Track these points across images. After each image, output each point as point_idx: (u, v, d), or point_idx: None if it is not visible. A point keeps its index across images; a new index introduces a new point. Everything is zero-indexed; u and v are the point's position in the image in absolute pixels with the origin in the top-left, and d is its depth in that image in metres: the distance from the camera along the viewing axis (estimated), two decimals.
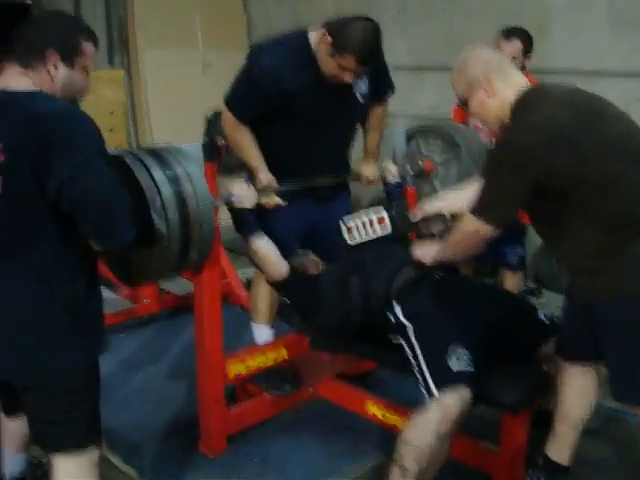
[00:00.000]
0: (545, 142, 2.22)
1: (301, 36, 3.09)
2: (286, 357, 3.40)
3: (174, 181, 2.32)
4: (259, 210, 3.07)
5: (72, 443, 2.17)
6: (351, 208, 3.58)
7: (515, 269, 4.23)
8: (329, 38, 2.90)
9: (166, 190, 2.27)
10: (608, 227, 2.28)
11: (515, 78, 2.45)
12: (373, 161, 3.52)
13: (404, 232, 3.02)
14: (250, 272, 3.76)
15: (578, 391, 2.71)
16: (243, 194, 2.95)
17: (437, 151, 3.71)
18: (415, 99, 5.50)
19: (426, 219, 2.96)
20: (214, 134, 4.59)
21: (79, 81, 2.09)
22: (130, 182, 2.19)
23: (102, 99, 5.17)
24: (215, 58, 6.52)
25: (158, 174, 2.27)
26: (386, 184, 3.55)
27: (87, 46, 2.08)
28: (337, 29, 2.89)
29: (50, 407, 2.12)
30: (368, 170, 3.49)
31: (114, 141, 5.41)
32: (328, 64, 2.97)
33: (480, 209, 2.38)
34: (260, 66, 3.01)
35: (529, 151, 2.22)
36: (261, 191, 3.07)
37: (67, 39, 2.03)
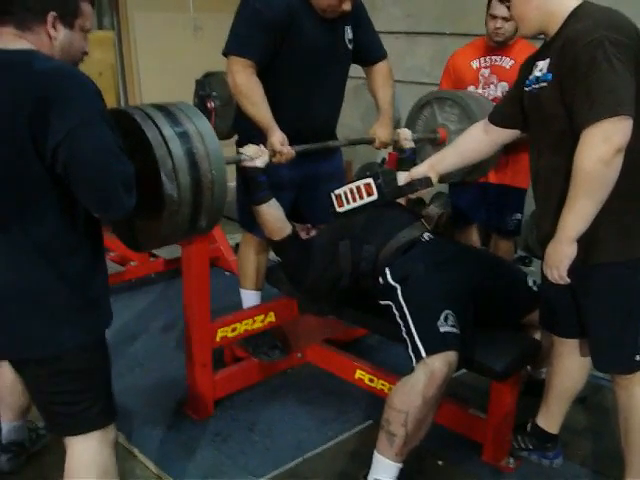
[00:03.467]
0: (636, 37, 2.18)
1: None
2: (274, 321, 3.39)
3: (186, 142, 2.15)
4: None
5: (85, 425, 2.08)
6: (343, 165, 3.54)
7: (510, 235, 4.20)
8: None
9: (177, 151, 2.11)
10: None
11: None
12: (388, 122, 3.38)
13: (391, 197, 2.99)
14: (239, 237, 3.74)
15: (571, 365, 2.71)
16: (254, 153, 2.85)
17: (453, 119, 3.61)
18: (408, 65, 5.45)
19: (412, 183, 2.94)
20: (204, 96, 4.55)
21: (78, 42, 2.00)
22: (139, 142, 2.07)
23: (91, 60, 5.05)
24: (206, 21, 6.45)
25: (169, 133, 2.11)
26: (400, 150, 3.46)
27: (85, 6, 2.00)
28: None
29: (60, 387, 2.03)
30: (382, 132, 3.36)
31: None
32: None
33: (609, 108, 2.09)
34: (262, 0, 2.94)
35: (628, 43, 2.15)
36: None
37: (67, 0, 1.94)
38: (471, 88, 3.92)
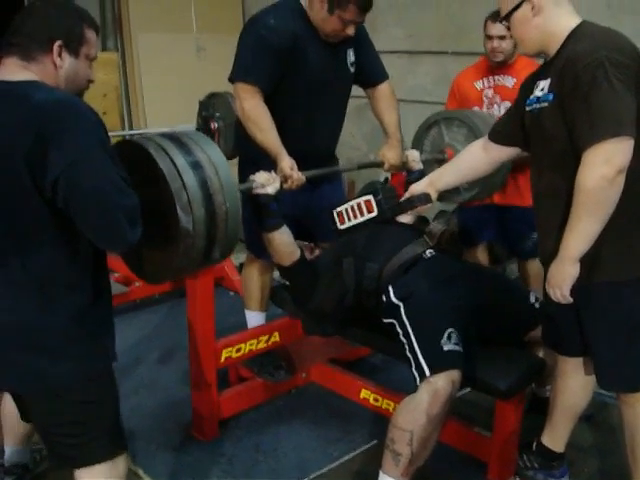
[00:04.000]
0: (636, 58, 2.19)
1: (294, 3, 3.07)
2: (278, 341, 3.39)
3: (200, 173, 2.10)
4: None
5: (87, 457, 2.05)
6: (344, 192, 3.53)
7: (533, 256, 4.10)
8: None
9: (192, 183, 2.06)
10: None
11: (570, 8, 2.34)
12: (397, 144, 3.36)
13: (391, 214, 3.00)
14: (243, 257, 3.75)
15: (575, 383, 2.70)
16: (266, 180, 2.80)
17: (460, 139, 3.57)
18: (410, 84, 5.46)
19: (410, 199, 2.95)
20: (208, 117, 4.57)
21: (83, 71, 1.99)
22: (152, 174, 2.03)
23: (95, 82, 5.06)
24: (209, 42, 6.48)
25: (183, 165, 2.06)
26: (409, 171, 3.42)
27: (90, 34, 1.99)
28: None
29: (64, 419, 2.00)
30: (392, 155, 3.34)
31: (107, 124, 5.33)
32: (328, 22, 2.96)
33: (610, 129, 2.11)
34: (267, 26, 2.95)
35: (629, 63, 2.15)
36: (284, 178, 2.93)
37: (71, 28, 1.94)
38: (475, 109, 3.89)
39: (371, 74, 3.37)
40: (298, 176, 2.95)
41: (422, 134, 3.71)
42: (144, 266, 2.27)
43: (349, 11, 2.89)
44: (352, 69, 3.25)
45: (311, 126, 3.19)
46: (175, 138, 2.18)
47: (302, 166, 3.01)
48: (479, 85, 3.93)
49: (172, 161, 2.06)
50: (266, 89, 3.00)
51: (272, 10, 3.06)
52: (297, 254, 2.95)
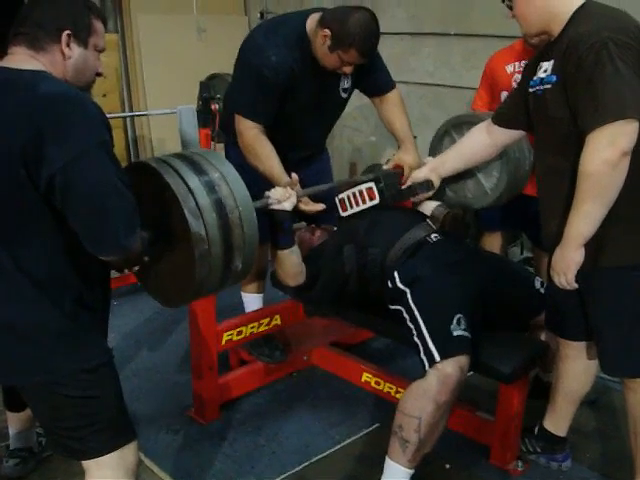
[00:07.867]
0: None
1: (297, 25, 3.01)
2: (280, 324, 3.37)
3: (207, 180, 2.01)
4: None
5: (97, 449, 2.01)
6: (331, 168, 3.57)
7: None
8: (327, 32, 2.84)
9: (198, 187, 1.97)
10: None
11: None
12: (412, 147, 3.26)
13: (392, 201, 2.97)
14: None
15: (577, 367, 2.69)
16: (282, 196, 2.72)
17: None
18: (412, 65, 5.43)
19: (412, 187, 2.92)
20: (208, 99, 4.55)
21: (92, 62, 1.95)
22: (159, 190, 1.94)
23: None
24: (210, 23, 6.43)
25: (186, 171, 1.98)
26: None
27: (98, 25, 1.96)
28: (337, 24, 2.82)
29: (64, 414, 1.96)
30: (409, 158, 3.20)
31: (107, 106, 5.32)
32: (328, 58, 2.92)
33: (614, 111, 2.07)
34: (268, 65, 2.90)
35: (633, 44, 2.12)
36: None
37: (79, 17, 1.90)
38: (504, 94, 3.70)
39: (378, 87, 3.31)
40: (316, 206, 2.96)
41: (436, 146, 3.54)
42: (166, 290, 2.21)
43: (350, 54, 2.85)
44: (344, 95, 3.21)
45: (295, 139, 3.20)
46: (180, 155, 2.10)
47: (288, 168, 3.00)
48: (510, 69, 3.72)
49: (176, 171, 1.98)
50: (266, 123, 3.02)
51: (274, 41, 2.96)
52: (303, 277, 2.89)
